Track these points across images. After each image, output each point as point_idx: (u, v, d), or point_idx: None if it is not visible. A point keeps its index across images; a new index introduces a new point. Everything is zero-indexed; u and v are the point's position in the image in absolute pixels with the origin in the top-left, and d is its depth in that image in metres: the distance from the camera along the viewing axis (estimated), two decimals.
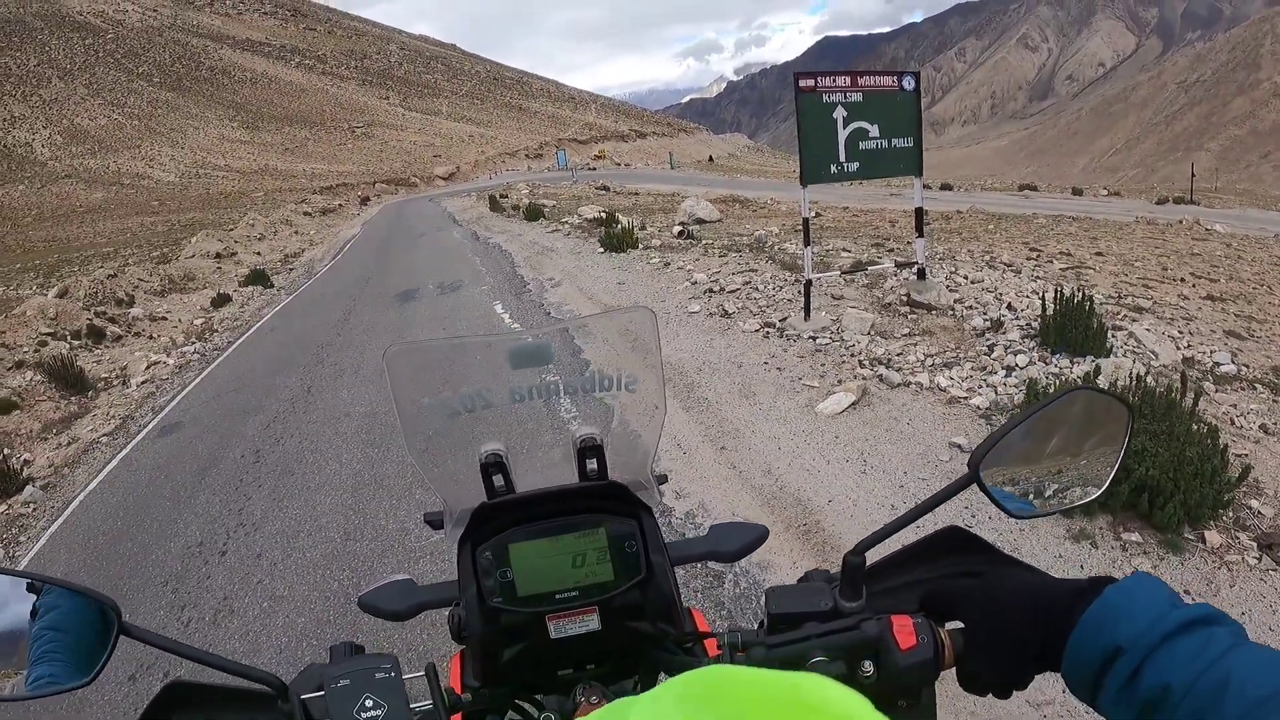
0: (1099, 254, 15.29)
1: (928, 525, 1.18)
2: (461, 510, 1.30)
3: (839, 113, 9.41)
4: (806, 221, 9.81)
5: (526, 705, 1.31)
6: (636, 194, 44.48)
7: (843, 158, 9.54)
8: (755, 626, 1.18)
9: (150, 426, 11.42)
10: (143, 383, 14.92)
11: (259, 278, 27.16)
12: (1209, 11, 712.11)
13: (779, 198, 36.47)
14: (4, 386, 15.21)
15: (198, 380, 13.92)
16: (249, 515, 7.32)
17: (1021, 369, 7.89)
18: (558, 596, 1.20)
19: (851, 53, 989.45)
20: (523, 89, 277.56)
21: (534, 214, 29.74)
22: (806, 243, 9.81)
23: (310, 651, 5.00)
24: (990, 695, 1.01)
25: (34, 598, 1.04)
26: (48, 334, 19.74)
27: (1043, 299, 8.69)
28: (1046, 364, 7.96)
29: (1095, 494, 1.12)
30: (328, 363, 12.69)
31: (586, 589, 1.21)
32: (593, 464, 1.33)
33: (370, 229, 44.73)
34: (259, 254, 38.20)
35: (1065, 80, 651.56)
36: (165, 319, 22.49)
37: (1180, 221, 23.51)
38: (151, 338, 20.52)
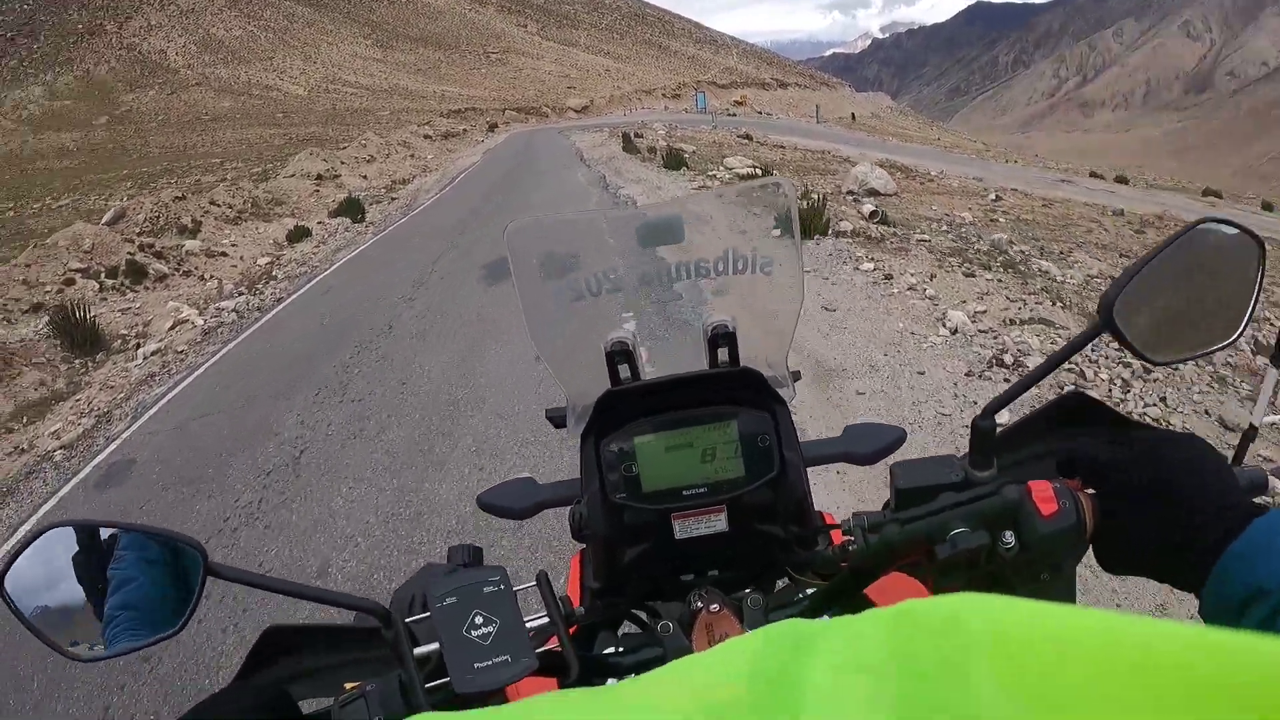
0: None
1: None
2: (585, 405, 1.21)
3: None
4: None
5: (641, 615, 1.27)
6: (783, 147, 39.84)
7: None
8: (880, 509, 1.12)
9: (104, 454, 8.03)
10: (153, 353, 11.73)
11: (351, 208, 23.55)
12: None
13: (942, 169, 31.95)
14: None
15: (214, 360, 10.62)
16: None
17: None
18: (685, 493, 1.12)
19: (1003, 21, 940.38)
20: (664, 27, 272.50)
21: (675, 162, 24.97)
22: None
23: None
24: (1134, 575, 0.96)
25: (111, 547, 0.96)
26: (78, 270, 16.57)
27: None
28: None
29: (1231, 336, 1.03)
30: (383, 351, 9.31)
31: (715, 485, 1.12)
32: (724, 354, 1.20)
33: (490, 159, 40.98)
34: (364, 177, 34.84)
35: (1225, 76, 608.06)
36: (226, 255, 19.04)
37: None
38: (203, 278, 17.16)
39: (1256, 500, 0.87)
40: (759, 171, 20.30)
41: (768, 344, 1.27)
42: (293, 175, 32.19)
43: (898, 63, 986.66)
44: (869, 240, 12.11)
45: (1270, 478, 1.40)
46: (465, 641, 0.95)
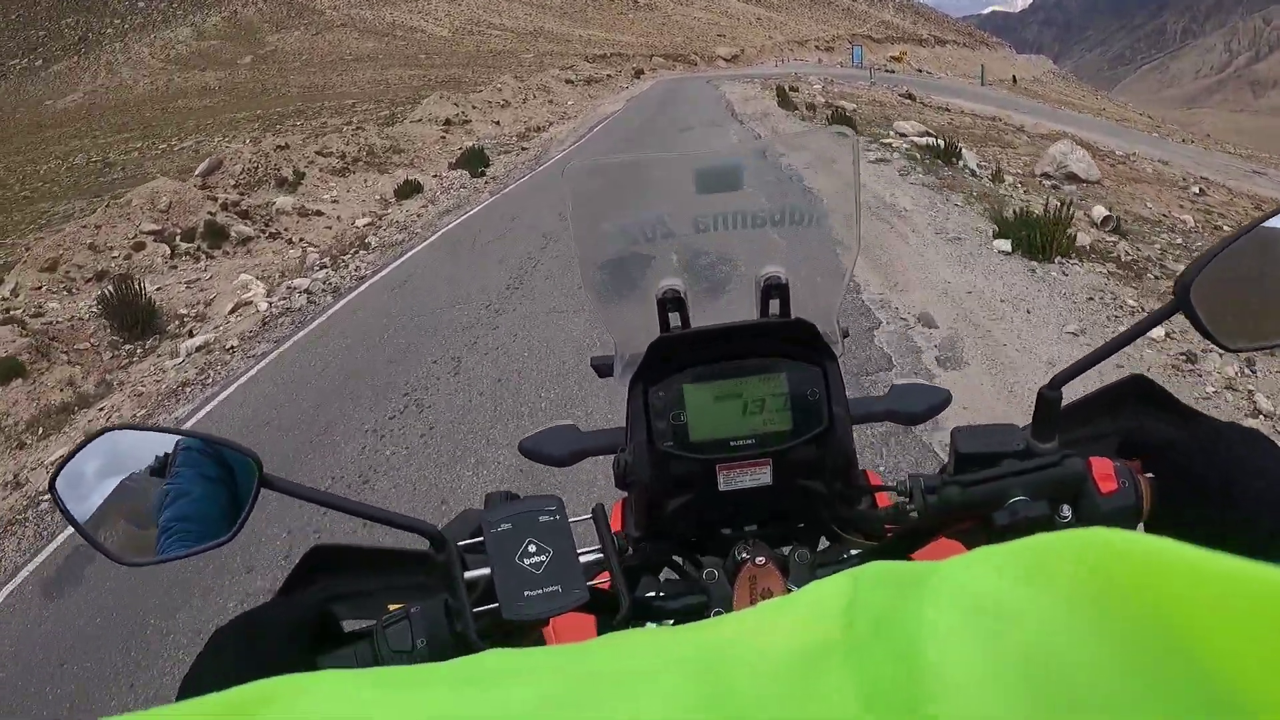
0: None
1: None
2: (633, 352, 1.20)
3: None
4: None
5: (683, 562, 1.23)
6: (948, 110, 36.68)
7: None
8: (937, 472, 1.11)
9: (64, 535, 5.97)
10: (198, 349, 9.74)
11: (473, 160, 21.05)
12: None
13: (1128, 149, 27.90)
14: (25, 333, 10.72)
15: (250, 374, 8.43)
16: None
17: None
18: (731, 444, 1.10)
19: None
20: None
21: (841, 124, 21.42)
22: None
23: None
24: None
25: (169, 455, 0.97)
26: (151, 232, 14.80)
27: None
28: None
29: None
30: (434, 417, 6.49)
31: (762, 438, 1.10)
32: (775, 306, 1.19)
33: (633, 108, 38.31)
34: (497, 123, 32.51)
35: None
36: (321, 215, 17.00)
37: None
38: (291, 242, 15.01)
39: None
40: (936, 140, 17.21)
41: (819, 298, 1.23)
42: (420, 120, 30.25)
43: (1059, 24, 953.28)
44: (1121, 269, 8.65)
45: None
46: (517, 569, 0.94)
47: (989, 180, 14.13)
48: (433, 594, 0.98)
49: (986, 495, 0.99)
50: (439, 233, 13.69)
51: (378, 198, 18.11)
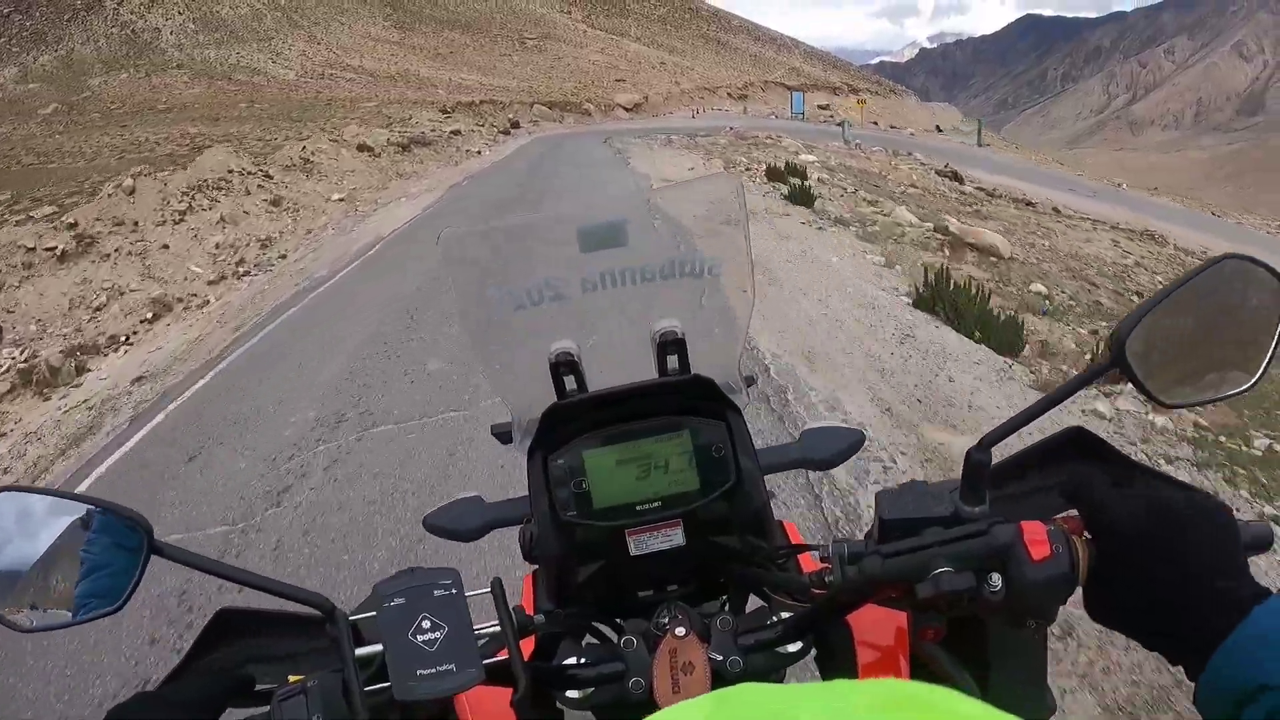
0: None
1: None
2: (530, 419, 1.20)
3: None
4: None
5: (604, 628, 1.22)
6: (1031, 205, 24.13)
7: None
8: (862, 537, 1.08)
9: None
10: None
11: None
12: None
13: None
14: None
15: None
16: None
17: None
18: (638, 508, 1.11)
19: (1053, 35, 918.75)
20: (720, 23, 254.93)
21: None
22: None
23: None
24: (1122, 634, 0.88)
25: (67, 520, 0.97)
26: None
27: None
28: None
29: (1248, 383, 0.99)
30: None
31: (669, 499, 1.11)
32: (674, 361, 1.20)
33: (451, 207, 19.99)
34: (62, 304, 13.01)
35: (1278, 99, 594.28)
36: None
37: None
38: None
39: (1257, 558, 0.90)
40: None
41: (719, 349, 1.24)
42: None
43: (945, 73, 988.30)
44: None
45: (1276, 535, 1.19)
46: (409, 646, 0.91)
47: None
48: (337, 664, 0.93)
49: (908, 567, 0.93)
50: None
51: None
